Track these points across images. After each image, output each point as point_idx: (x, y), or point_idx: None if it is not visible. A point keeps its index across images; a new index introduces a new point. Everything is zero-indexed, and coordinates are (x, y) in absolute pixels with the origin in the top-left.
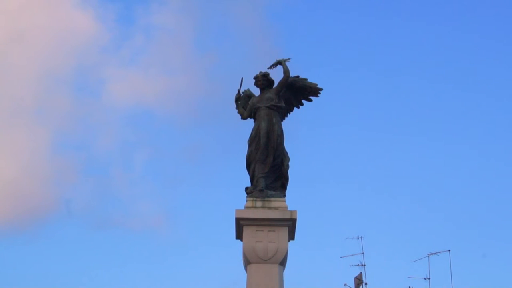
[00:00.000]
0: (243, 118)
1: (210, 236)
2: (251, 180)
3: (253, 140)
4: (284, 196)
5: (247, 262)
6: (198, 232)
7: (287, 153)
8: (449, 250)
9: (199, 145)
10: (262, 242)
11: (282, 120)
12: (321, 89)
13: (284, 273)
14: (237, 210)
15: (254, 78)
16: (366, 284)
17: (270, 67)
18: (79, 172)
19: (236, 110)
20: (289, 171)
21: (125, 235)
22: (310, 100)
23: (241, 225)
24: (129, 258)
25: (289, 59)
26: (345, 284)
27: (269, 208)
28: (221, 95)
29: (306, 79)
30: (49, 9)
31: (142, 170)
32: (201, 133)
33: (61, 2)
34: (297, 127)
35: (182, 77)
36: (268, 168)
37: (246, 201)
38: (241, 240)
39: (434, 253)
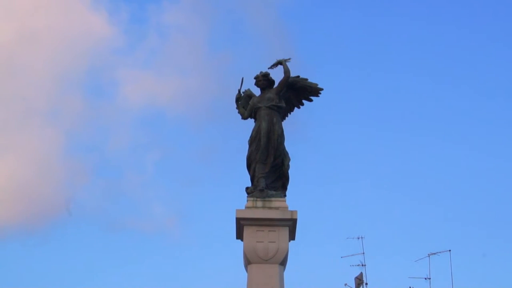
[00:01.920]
0: (244, 118)
1: (221, 237)
2: (252, 180)
3: (254, 140)
4: (285, 196)
5: (247, 262)
6: (209, 233)
7: (287, 153)
8: (450, 250)
9: (212, 146)
10: (262, 242)
11: (282, 120)
12: (322, 89)
13: (284, 273)
14: (237, 210)
15: (255, 78)
16: (366, 284)
17: (271, 67)
18: (91, 174)
19: (237, 110)
20: (289, 171)
21: (137, 236)
22: (311, 100)
23: (241, 225)
24: (140, 260)
25: (289, 59)
26: (345, 284)
27: (270, 208)
28: (234, 96)
29: (306, 79)
30: (62, 10)
31: (154, 171)
32: (213, 134)
33: (74, 3)
34: (297, 127)
35: (194, 77)
36: (269, 168)
37: (247, 201)
38: (242, 240)
39: (434, 253)
